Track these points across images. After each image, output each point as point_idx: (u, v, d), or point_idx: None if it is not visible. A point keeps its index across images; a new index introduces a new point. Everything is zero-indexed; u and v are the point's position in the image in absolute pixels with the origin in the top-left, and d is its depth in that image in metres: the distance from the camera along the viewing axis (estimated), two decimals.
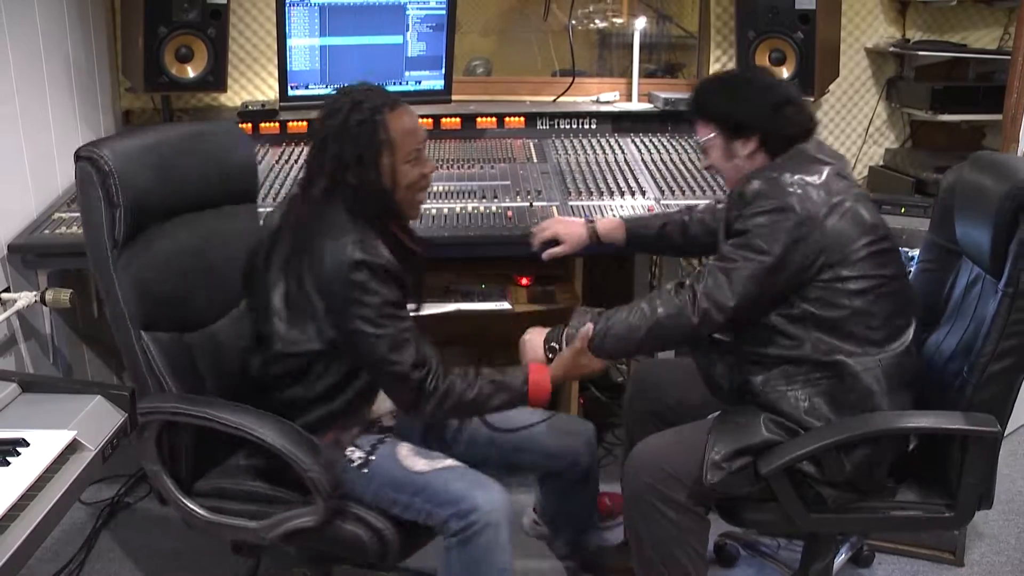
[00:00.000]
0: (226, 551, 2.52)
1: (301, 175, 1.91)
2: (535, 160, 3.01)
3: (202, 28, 2.98)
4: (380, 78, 3.06)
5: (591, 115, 3.27)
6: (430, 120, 3.14)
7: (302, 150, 3.01)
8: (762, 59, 3.18)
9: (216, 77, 3.07)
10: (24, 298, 2.35)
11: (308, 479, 1.76)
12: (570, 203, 2.68)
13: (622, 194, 2.74)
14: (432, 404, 1.83)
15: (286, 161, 2.93)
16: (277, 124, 3.11)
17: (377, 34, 3.06)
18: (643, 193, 2.73)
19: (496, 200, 2.69)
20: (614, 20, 3.75)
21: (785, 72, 3.15)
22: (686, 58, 3.69)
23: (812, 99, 3.21)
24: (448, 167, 2.90)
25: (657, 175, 2.86)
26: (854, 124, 3.54)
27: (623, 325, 1.92)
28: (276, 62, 3.03)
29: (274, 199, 2.65)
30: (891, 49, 3.37)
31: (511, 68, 3.74)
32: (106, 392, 1.83)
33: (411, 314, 1.87)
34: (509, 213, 2.61)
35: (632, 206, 2.65)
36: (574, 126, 3.26)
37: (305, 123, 3.11)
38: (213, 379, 1.98)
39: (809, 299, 1.86)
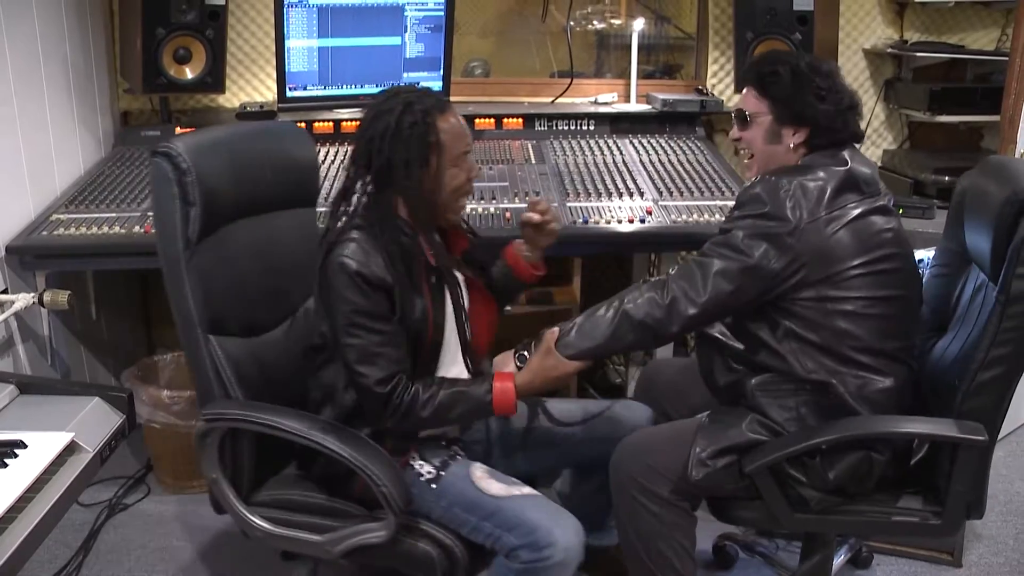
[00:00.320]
0: (224, 553, 2.53)
1: (344, 175, 1.89)
2: (533, 161, 3.01)
3: (200, 29, 2.99)
4: (378, 79, 3.08)
5: (589, 116, 3.27)
6: None
7: None
8: None
9: (214, 78, 3.07)
10: (22, 300, 2.35)
11: (380, 493, 1.72)
12: (568, 204, 2.68)
13: (620, 195, 2.74)
14: (395, 418, 1.80)
15: None
16: None
17: (375, 35, 3.06)
18: (641, 194, 2.73)
19: (495, 201, 2.69)
20: (612, 21, 3.75)
21: None
22: (684, 59, 3.69)
23: None
24: None
25: (655, 176, 2.86)
26: None
27: (590, 321, 1.88)
28: (274, 63, 3.03)
29: None
30: (889, 50, 3.38)
31: (509, 69, 3.74)
32: (104, 394, 1.83)
33: (392, 327, 1.81)
34: (507, 214, 2.61)
35: (630, 207, 2.65)
36: (572, 127, 3.26)
37: (303, 125, 3.10)
38: (272, 386, 1.94)
39: (792, 316, 1.84)
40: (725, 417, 1.94)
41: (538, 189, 2.77)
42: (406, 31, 3.07)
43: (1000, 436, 3.05)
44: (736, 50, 3.25)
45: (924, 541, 2.53)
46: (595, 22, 3.72)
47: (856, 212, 1.83)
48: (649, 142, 3.15)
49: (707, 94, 3.37)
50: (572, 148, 3.11)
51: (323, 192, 2.63)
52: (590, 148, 3.12)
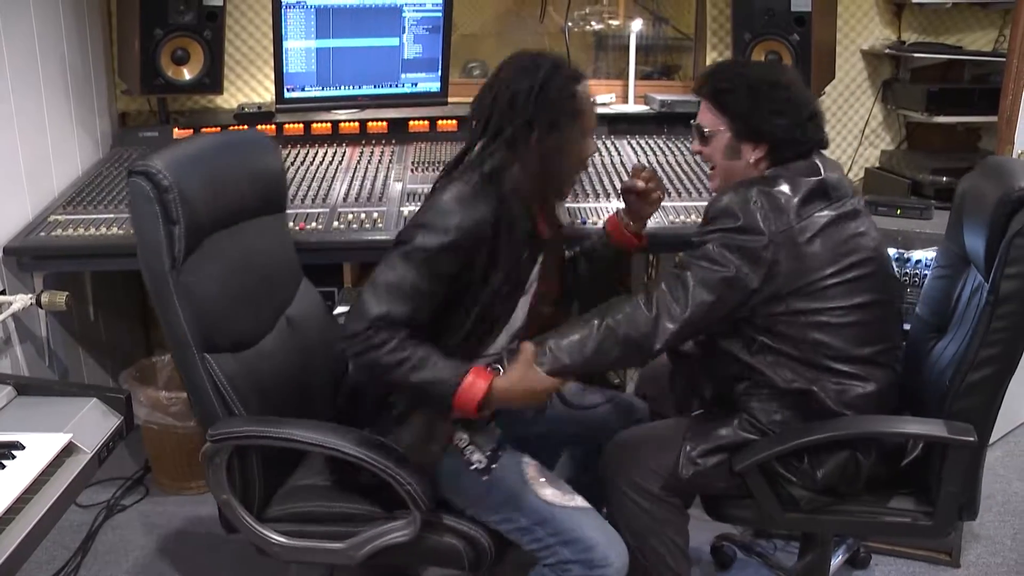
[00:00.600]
0: (222, 554, 2.53)
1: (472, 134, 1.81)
2: None
3: (198, 30, 2.99)
4: (376, 80, 3.09)
5: None
6: (426, 122, 3.14)
7: (298, 152, 3.01)
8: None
9: (212, 79, 3.07)
10: (20, 301, 2.35)
11: (405, 493, 1.71)
12: (566, 205, 2.68)
13: (618, 196, 2.74)
14: (354, 348, 1.66)
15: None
16: (273, 126, 3.11)
17: (373, 36, 3.06)
18: None
19: None
20: (610, 22, 3.75)
21: None
22: (682, 60, 3.70)
23: None
24: None
25: None
26: (850, 126, 3.54)
27: (572, 336, 1.77)
28: (272, 64, 3.03)
29: None
30: (887, 51, 3.38)
31: None
32: (102, 395, 1.83)
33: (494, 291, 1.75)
34: None
35: None
36: None
37: (301, 125, 3.11)
38: (268, 399, 1.89)
39: (765, 332, 1.84)
40: (716, 416, 1.95)
41: None
42: (404, 32, 3.07)
43: (997, 436, 3.08)
44: (734, 51, 3.25)
45: (921, 541, 2.53)
46: (593, 23, 3.72)
47: (825, 220, 1.82)
48: (647, 143, 3.15)
49: None
50: None
51: (339, 193, 2.65)
52: None
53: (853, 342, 1.84)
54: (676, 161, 3.00)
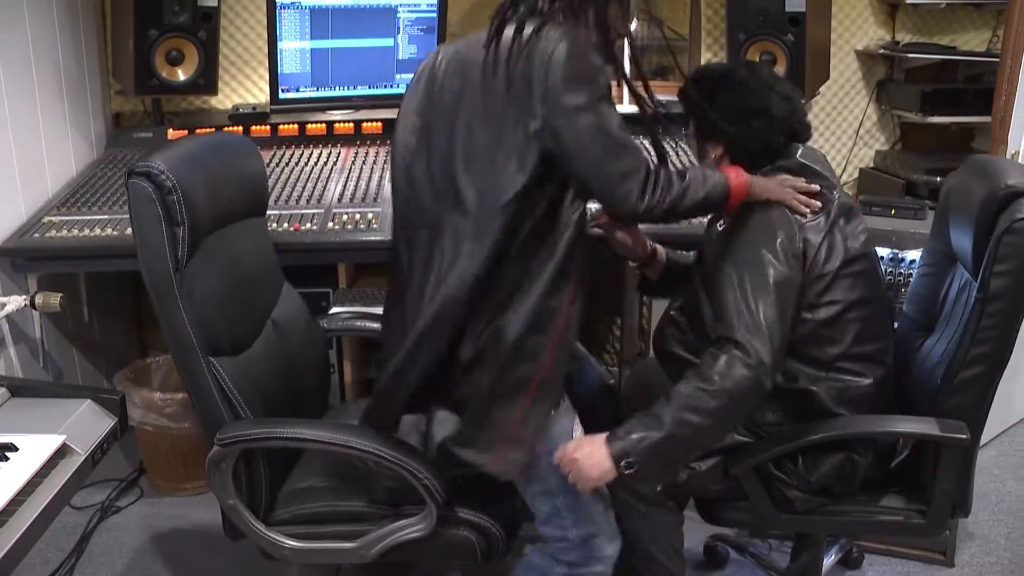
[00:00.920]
0: (218, 556, 2.53)
1: None
2: None
3: (193, 31, 2.99)
4: (371, 81, 3.09)
5: None
6: None
7: (293, 153, 3.01)
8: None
9: (207, 80, 3.07)
10: (13, 302, 2.35)
11: (422, 487, 1.70)
12: None
13: None
14: (659, 199, 1.62)
15: (276, 164, 2.93)
16: (268, 127, 3.11)
17: (368, 37, 3.06)
18: None
19: None
20: None
21: None
22: (677, 60, 3.69)
23: (803, 101, 3.21)
24: None
25: None
26: (844, 126, 3.55)
27: (664, 446, 1.66)
28: (267, 65, 3.02)
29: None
30: (881, 51, 3.39)
31: None
32: (96, 396, 1.83)
33: None
34: None
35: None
36: None
37: (295, 126, 3.11)
38: (268, 401, 1.88)
39: None
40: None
41: None
42: (399, 33, 3.07)
43: (991, 436, 3.09)
44: (729, 51, 3.25)
45: (915, 540, 2.54)
46: None
47: (828, 217, 1.83)
48: (642, 143, 3.14)
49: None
50: None
51: (334, 194, 2.65)
52: None
53: (855, 339, 1.84)
54: (672, 161, 2.99)
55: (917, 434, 1.85)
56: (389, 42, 3.08)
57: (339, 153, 3.02)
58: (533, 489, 1.77)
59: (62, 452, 1.64)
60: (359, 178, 2.81)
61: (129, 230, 2.47)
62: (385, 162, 2.95)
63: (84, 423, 1.75)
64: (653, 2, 3.68)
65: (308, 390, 2.08)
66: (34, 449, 1.59)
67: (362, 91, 3.11)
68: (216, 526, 1.93)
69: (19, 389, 1.85)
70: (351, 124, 3.13)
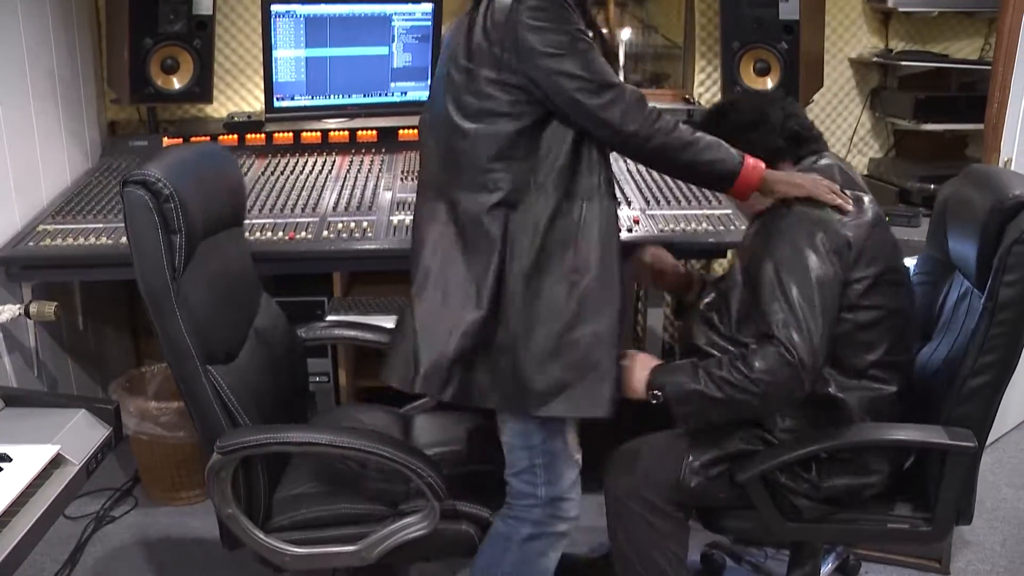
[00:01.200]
0: (212, 565, 2.52)
1: None
2: None
3: (188, 39, 2.99)
4: (366, 89, 3.09)
5: None
6: (415, 131, 3.12)
7: (288, 161, 3.01)
8: (747, 69, 3.20)
9: (202, 88, 3.07)
10: (8, 311, 2.34)
11: (425, 484, 1.72)
12: None
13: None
14: (650, 134, 1.70)
15: (272, 172, 2.93)
16: (263, 135, 3.11)
17: (363, 45, 3.06)
18: (628, 204, 2.74)
19: None
20: None
21: (770, 82, 3.18)
22: (671, 68, 3.71)
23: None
24: None
25: (642, 185, 2.86)
26: (838, 134, 3.56)
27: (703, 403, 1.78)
28: (262, 73, 3.03)
29: (259, 211, 2.64)
30: (874, 59, 3.40)
31: None
32: (91, 406, 1.82)
33: None
34: None
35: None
36: None
37: (290, 134, 3.11)
38: (261, 410, 1.88)
39: None
40: (719, 426, 1.94)
41: None
42: (393, 41, 3.08)
43: (987, 442, 3.09)
44: (723, 59, 3.26)
45: (912, 548, 2.54)
46: None
47: (866, 219, 1.85)
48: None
49: (694, 103, 3.38)
50: None
51: (329, 202, 2.66)
52: None
53: (890, 347, 1.86)
54: None
55: (926, 443, 1.85)
56: (384, 50, 3.09)
57: (334, 161, 3.02)
58: (516, 441, 1.81)
59: (56, 462, 1.63)
60: (354, 186, 2.81)
61: (124, 239, 2.48)
62: (381, 170, 2.95)
63: (79, 433, 1.74)
64: (648, 10, 3.70)
65: (291, 398, 2.08)
66: (28, 459, 1.58)
67: (357, 99, 3.12)
68: (211, 536, 1.93)
69: (13, 399, 1.84)
70: (346, 132, 3.13)
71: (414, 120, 3.11)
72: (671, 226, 2.61)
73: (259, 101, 3.28)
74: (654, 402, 1.81)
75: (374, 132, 3.14)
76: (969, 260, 1.86)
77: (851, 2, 3.42)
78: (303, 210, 2.65)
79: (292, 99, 3.05)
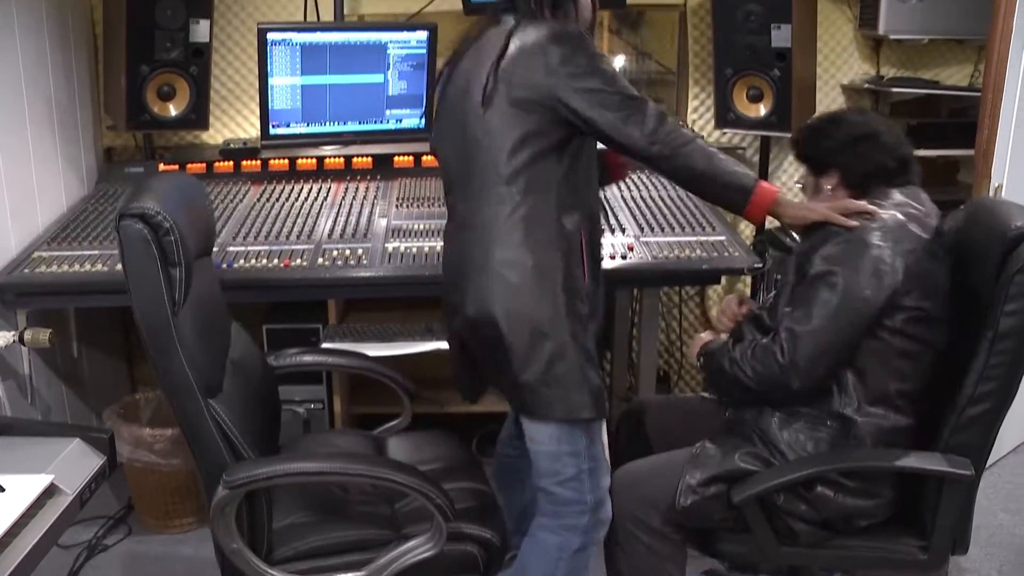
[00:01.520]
0: None
1: None
2: None
3: (184, 67, 3.01)
4: (361, 117, 3.11)
5: None
6: (411, 158, 3.16)
7: (283, 188, 3.02)
8: (740, 96, 3.23)
9: (198, 115, 3.09)
10: (2, 338, 2.35)
11: (436, 506, 1.73)
12: None
13: (601, 232, 2.75)
14: (666, 141, 1.85)
15: (267, 199, 2.94)
16: (259, 162, 3.12)
17: (358, 73, 3.08)
18: (623, 230, 2.75)
19: None
20: None
21: (763, 109, 3.20)
22: (665, 94, 3.73)
23: (789, 135, 3.25)
24: (428, 205, 2.91)
25: (636, 212, 2.88)
26: None
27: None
28: (258, 100, 3.04)
29: (255, 238, 2.65)
30: (866, 86, 3.43)
31: None
32: (85, 435, 1.82)
33: None
34: None
35: (612, 243, 2.65)
36: None
37: (286, 161, 3.13)
38: (254, 439, 1.83)
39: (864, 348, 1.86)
40: (719, 446, 1.95)
41: None
42: (389, 69, 3.10)
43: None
44: (716, 86, 3.29)
45: (908, 572, 2.52)
46: None
47: (914, 247, 1.86)
48: (630, 178, 3.17)
49: (688, 129, 3.40)
50: None
51: (324, 229, 2.66)
52: None
53: (917, 378, 1.88)
54: (659, 196, 3.01)
55: (924, 470, 1.85)
56: (379, 78, 3.10)
57: (329, 188, 3.03)
58: (563, 448, 1.88)
59: (50, 492, 1.63)
60: (349, 213, 2.82)
61: (119, 266, 2.48)
62: (376, 197, 2.96)
63: (72, 462, 1.74)
64: (642, 36, 3.73)
65: (269, 427, 2.07)
66: (22, 489, 1.58)
67: (352, 127, 3.13)
68: (205, 564, 1.92)
69: (7, 427, 1.84)
70: (342, 159, 3.15)
71: (409, 147, 3.17)
72: (665, 253, 2.61)
73: (255, 128, 3.29)
74: (699, 364, 2.06)
75: (369, 159, 3.15)
76: (969, 288, 1.87)
77: (843, 29, 3.45)
78: (298, 237, 2.66)
79: (288, 126, 3.06)
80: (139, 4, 2.89)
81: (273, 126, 3.03)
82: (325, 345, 2.57)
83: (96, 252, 2.57)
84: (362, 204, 2.90)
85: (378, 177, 3.12)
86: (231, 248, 2.58)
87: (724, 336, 2.06)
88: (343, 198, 2.95)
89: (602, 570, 2.03)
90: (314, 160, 3.14)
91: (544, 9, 1.89)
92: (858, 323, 1.82)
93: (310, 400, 2.80)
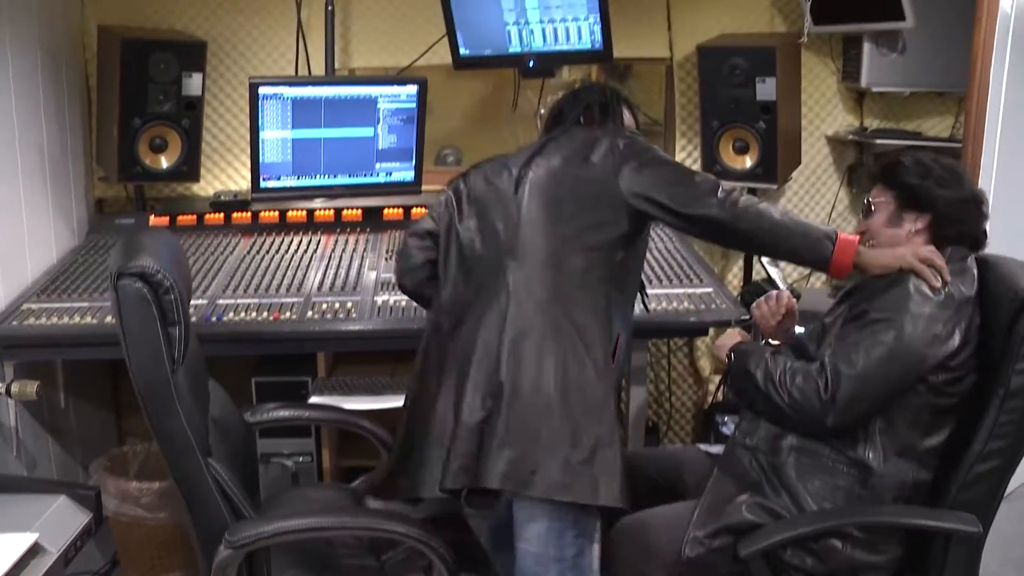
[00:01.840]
0: None
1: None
2: None
3: (176, 119, 3.04)
4: (351, 170, 3.13)
5: None
6: (400, 211, 3.18)
7: (273, 240, 3.04)
8: (726, 148, 3.27)
9: (190, 167, 3.11)
10: None
11: (438, 556, 1.71)
12: None
13: None
14: (730, 205, 1.85)
15: (257, 251, 2.95)
16: (249, 214, 3.15)
17: (349, 126, 3.11)
18: None
19: None
20: None
21: (748, 161, 3.24)
22: (653, 145, 3.77)
23: (775, 186, 3.30)
24: None
25: None
26: (817, 210, 3.62)
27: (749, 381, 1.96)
28: (249, 153, 3.07)
29: (244, 291, 2.66)
30: (850, 137, 3.47)
31: (483, 155, 3.78)
32: (71, 491, 1.82)
33: None
34: None
35: None
36: None
37: (276, 213, 3.14)
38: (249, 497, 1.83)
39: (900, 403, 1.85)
40: (723, 495, 1.92)
41: None
42: (379, 123, 3.13)
43: None
44: (703, 138, 3.33)
45: None
46: None
47: (970, 324, 1.85)
48: None
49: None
50: None
51: (313, 282, 2.68)
52: None
53: (945, 437, 1.87)
54: (655, 247, 3.02)
55: (932, 526, 1.85)
56: (369, 132, 3.14)
57: (319, 240, 3.05)
58: (550, 552, 1.84)
59: (34, 551, 1.63)
60: (339, 266, 2.83)
61: (109, 318, 2.48)
62: (366, 249, 2.97)
63: (58, 520, 1.74)
64: (630, 88, 3.78)
65: (249, 484, 2.03)
66: (5, 548, 1.57)
67: (342, 180, 3.15)
68: None
69: None
70: (331, 211, 3.17)
71: (398, 200, 3.19)
72: (653, 305, 2.62)
73: (245, 180, 3.31)
74: (726, 361, 2.06)
75: (359, 212, 3.18)
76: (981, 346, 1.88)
77: (827, 82, 3.50)
78: (288, 290, 2.67)
79: (278, 179, 3.07)
80: (133, 57, 2.93)
81: (264, 179, 3.05)
82: (313, 399, 2.56)
83: (86, 304, 2.57)
84: (351, 257, 2.91)
85: (368, 229, 3.14)
86: (220, 301, 2.59)
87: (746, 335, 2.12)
88: (333, 251, 2.96)
89: None
90: (304, 213, 3.16)
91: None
92: (905, 377, 1.81)
93: (298, 453, 2.79)
